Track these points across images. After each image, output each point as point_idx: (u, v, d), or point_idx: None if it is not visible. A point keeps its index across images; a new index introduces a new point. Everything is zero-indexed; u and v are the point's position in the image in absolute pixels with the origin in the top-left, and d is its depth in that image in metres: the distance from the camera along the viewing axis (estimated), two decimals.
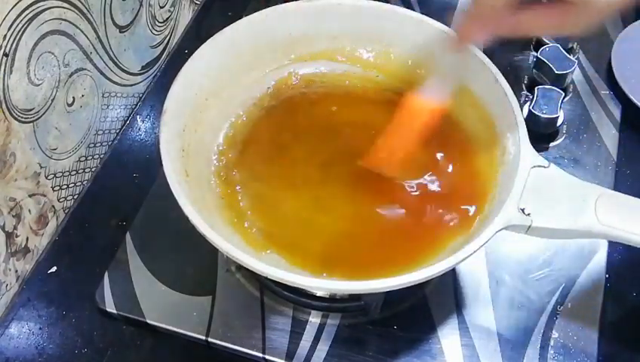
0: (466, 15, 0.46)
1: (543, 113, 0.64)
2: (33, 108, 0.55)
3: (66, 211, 0.63)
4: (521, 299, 0.55)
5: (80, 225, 0.63)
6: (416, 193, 0.54)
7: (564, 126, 0.67)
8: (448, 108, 0.52)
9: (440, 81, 0.50)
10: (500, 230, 0.46)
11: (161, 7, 0.72)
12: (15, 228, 0.56)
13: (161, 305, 0.56)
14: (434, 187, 0.54)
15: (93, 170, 0.66)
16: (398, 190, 0.54)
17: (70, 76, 0.59)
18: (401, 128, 0.52)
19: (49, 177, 0.59)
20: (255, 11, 0.58)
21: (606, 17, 0.44)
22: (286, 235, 0.51)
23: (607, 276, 0.56)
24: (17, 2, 0.50)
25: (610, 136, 0.66)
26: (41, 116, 0.56)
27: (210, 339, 0.54)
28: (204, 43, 0.56)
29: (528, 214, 0.46)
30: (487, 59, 0.54)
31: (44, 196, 0.59)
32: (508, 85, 0.53)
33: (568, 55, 0.68)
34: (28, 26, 0.52)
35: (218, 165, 0.55)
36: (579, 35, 0.53)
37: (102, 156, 0.67)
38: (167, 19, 0.75)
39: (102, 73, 0.64)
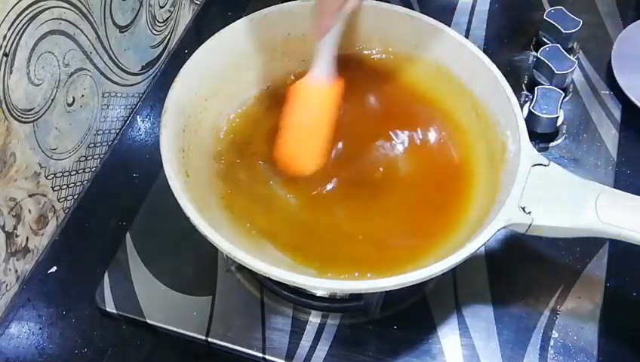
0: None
1: (543, 113, 0.64)
2: (33, 108, 0.55)
3: (66, 211, 0.63)
4: (521, 299, 0.55)
5: (80, 225, 0.63)
6: (417, 192, 0.54)
7: (564, 126, 0.67)
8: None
9: (322, 63, 0.51)
10: (501, 228, 0.46)
11: (161, 7, 0.72)
12: (15, 228, 0.56)
13: (161, 305, 0.56)
14: (434, 186, 0.54)
15: (93, 170, 0.66)
16: (399, 189, 0.54)
17: (70, 76, 0.59)
18: (302, 120, 0.52)
19: (49, 177, 0.59)
20: (255, 11, 0.58)
21: None
22: (286, 235, 0.51)
23: (607, 276, 0.56)
24: (17, 2, 0.50)
25: (610, 136, 0.66)
26: (41, 116, 0.56)
27: (210, 339, 0.54)
28: (204, 43, 0.56)
29: (529, 212, 0.46)
30: (487, 59, 0.54)
31: (44, 196, 0.59)
32: (508, 85, 0.53)
33: (568, 55, 0.69)
34: (28, 26, 0.52)
35: (218, 165, 0.55)
36: None
37: (102, 156, 0.67)
38: (167, 19, 0.75)
39: (102, 73, 0.64)
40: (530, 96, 0.67)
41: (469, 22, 0.77)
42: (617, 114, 0.68)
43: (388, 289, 0.44)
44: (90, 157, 0.65)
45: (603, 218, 0.46)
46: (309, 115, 0.52)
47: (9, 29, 0.50)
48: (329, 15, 0.48)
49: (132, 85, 0.70)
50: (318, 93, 0.52)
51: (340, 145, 0.57)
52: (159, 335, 0.56)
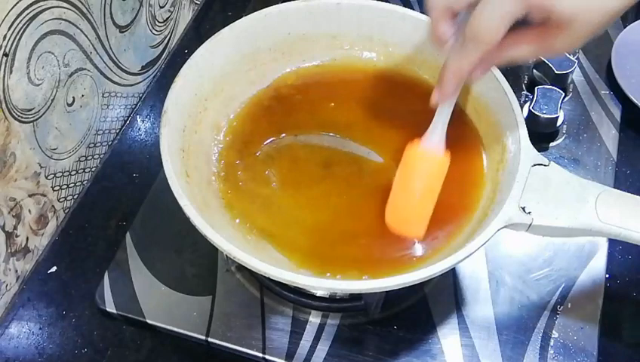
0: (457, 57, 0.44)
1: (543, 113, 0.64)
2: (33, 108, 0.55)
3: (66, 211, 0.63)
4: (521, 299, 0.55)
5: (80, 225, 0.63)
6: None
7: (564, 126, 0.67)
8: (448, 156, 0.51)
9: (438, 129, 0.50)
10: (501, 229, 0.46)
11: (161, 7, 0.72)
12: (15, 228, 0.56)
13: (161, 305, 0.56)
14: None
15: (93, 170, 0.66)
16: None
17: (70, 76, 0.59)
18: (415, 185, 0.50)
19: (49, 177, 0.59)
20: (255, 11, 0.58)
21: (588, 38, 0.42)
22: (286, 235, 0.51)
23: (607, 276, 0.56)
24: (17, 2, 0.50)
25: (610, 136, 0.66)
26: (41, 116, 0.56)
27: (210, 339, 0.54)
28: (204, 43, 0.56)
29: (529, 212, 0.46)
30: None
31: (44, 196, 0.59)
32: (508, 85, 0.53)
33: (568, 55, 0.69)
34: (28, 26, 0.52)
35: (218, 165, 0.55)
36: (562, 54, 0.50)
37: (102, 156, 0.67)
38: (167, 19, 0.75)
39: (102, 73, 0.64)
40: (530, 96, 0.67)
41: None
42: (617, 114, 0.68)
43: (388, 289, 0.44)
44: (90, 157, 0.65)
45: (603, 218, 0.46)
46: (422, 181, 0.51)
47: (9, 29, 0.50)
48: (453, 84, 0.46)
49: (132, 85, 0.70)
50: (431, 160, 0.50)
51: (340, 145, 0.57)
52: (159, 335, 0.56)
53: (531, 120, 0.64)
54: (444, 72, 0.46)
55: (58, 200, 0.61)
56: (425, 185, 0.50)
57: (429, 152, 0.50)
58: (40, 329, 0.56)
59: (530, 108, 0.65)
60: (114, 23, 0.64)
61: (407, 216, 0.50)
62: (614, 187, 0.52)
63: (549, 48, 0.42)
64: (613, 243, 0.57)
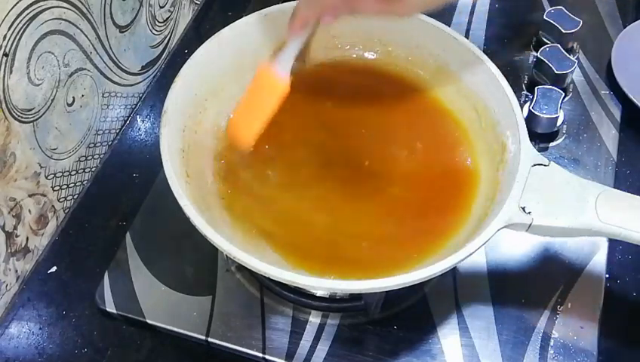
0: (304, 8, 0.49)
1: (543, 113, 0.64)
2: (33, 108, 0.55)
3: (66, 211, 0.63)
4: (521, 299, 0.55)
5: (80, 225, 0.63)
6: (417, 193, 0.54)
7: (564, 126, 0.67)
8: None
9: (284, 58, 0.52)
10: (501, 228, 0.46)
11: (161, 7, 0.72)
12: (15, 228, 0.56)
13: (161, 305, 0.56)
14: (435, 186, 0.54)
15: (93, 170, 0.66)
16: (399, 190, 0.54)
17: (70, 76, 0.59)
18: (256, 100, 0.53)
19: (49, 177, 0.59)
20: (255, 11, 0.58)
21: (426, 8, 0.50)
22: (286, 235, 0.51)
23: (607, 276, 0.56)
24: (17, 2, 0.50)
25: (610, 136, 0.66)
26: (41, 116, 0.56)
27: (210, 339, 0.54)
28: (204, 43, 0.56)
29: (529, 212, 0.46)
30: (487, 59, 0.54)
31: (44, 196, 0.59)
32: (508, 85, 0.53)
33: (568, 55, 0.69)
34: (28, 26, 0.52)
35: (218, 165, 0.55)
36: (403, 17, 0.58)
37: (102, 156, 0.67)
38: (167, 19, 0.75)
39: (102, 73, 0.64)
40: (530, 96, 0.67)
41: (469, 22, 0.77)
42: (617, 114, 0.68)
43: (388, 290, 0.44)
44: (90, 157, 0.65)
45: (603, 218, 0.46)
46: (259, 97, 0.54)
47: (9, 29, 0.50)
48: (303, 21, 0.50)
49: (132, 85, 0.70)
50: (270, 81, 0.53)
51: (340, 145, 0.57)
52: (159, 335, 0.56)
53: (531, 120, 0.64)
54: (293, 14, 0.50)
55: (58, 200, 0.61)
56: (261, 100, 0.53)
57: (271, 73, 0.52)
58: (40, 329, 0.56)
59: (530, 108, 0.65)
60: (114, 23, 0.64)
61: (241, 124, 0.54)
62: (614, 187, 0.52)
63: (391, 12, 0.48)
64: (613, 243, 0.57)
